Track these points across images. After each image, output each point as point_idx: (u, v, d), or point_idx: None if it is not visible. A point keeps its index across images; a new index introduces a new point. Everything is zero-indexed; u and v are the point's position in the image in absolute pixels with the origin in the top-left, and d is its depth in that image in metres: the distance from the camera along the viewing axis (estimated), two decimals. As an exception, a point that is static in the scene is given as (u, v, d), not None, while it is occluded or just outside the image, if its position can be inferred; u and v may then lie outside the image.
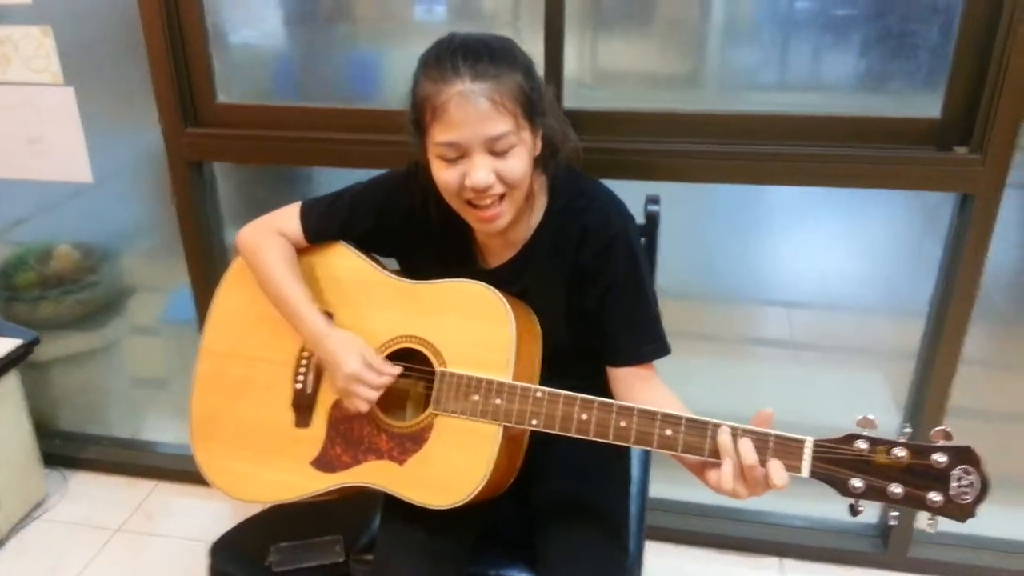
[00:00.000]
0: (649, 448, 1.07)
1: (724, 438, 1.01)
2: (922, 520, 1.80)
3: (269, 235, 1.28)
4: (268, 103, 1.80)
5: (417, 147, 1.19)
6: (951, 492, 0.97)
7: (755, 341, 1.98)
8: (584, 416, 1.09)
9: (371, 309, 1.24)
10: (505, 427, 1.13)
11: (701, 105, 1.67)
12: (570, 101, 1.63)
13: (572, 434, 1.10)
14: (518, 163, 1.12)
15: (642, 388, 1.21)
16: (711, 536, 1.93)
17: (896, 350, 1.83)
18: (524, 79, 1.11)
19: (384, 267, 1.28)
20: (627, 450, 1.41)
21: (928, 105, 1.56)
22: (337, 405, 1.24)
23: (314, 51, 1.79)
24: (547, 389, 1.12)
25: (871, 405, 1.88)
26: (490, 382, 1.14)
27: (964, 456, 0.97)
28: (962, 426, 1.02)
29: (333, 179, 1.71)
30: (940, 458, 0.97)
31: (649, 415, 1.06)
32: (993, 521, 1.85)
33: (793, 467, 1.00)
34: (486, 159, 1.10)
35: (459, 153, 1.11)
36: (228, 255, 1.92)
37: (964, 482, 0.97)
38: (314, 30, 1.77)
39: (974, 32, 1.47)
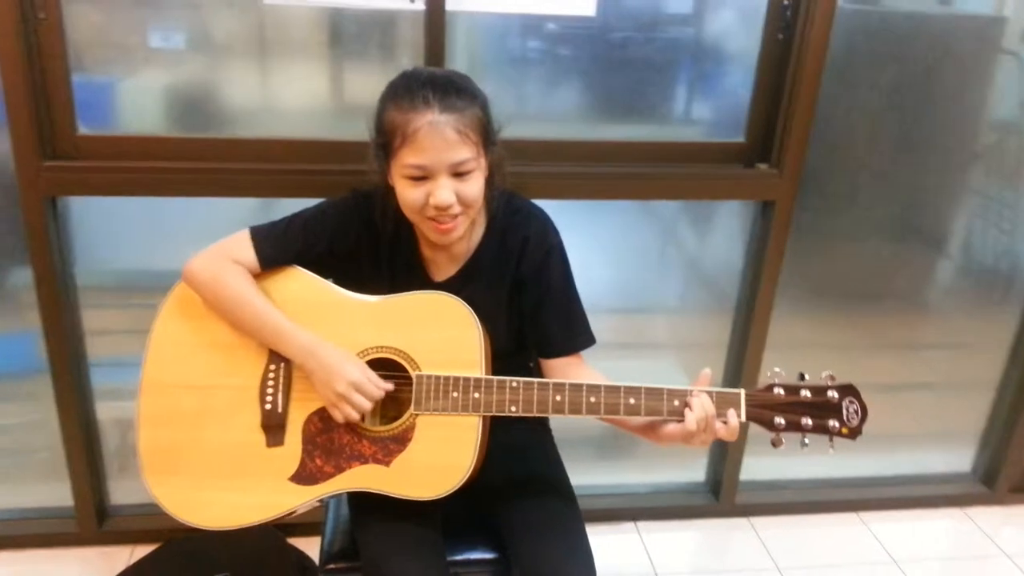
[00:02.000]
0: (616, 416, 1.27)
1: (692, 399, 1.24)
2: (744, 472, 2.19)
3: (226, 263, 1.31)
4: (131, 133, 1.74)
5: (381, 169, 1.30)
6: (844, 418, 1.27)
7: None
8: (558, 397, 1.27)
9: (335, 326, 1.31)
10: (484, 417, 1.27)
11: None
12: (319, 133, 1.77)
13: (548, 414, 1.27)
14: (475, 185, 1.27)
15: (576, 373, 1.41)
16: (576, 514, 2.17)
17: (679, 340, 2.19)
18: (482, 112, 1.27)
19: (338, 287, 1.36)
20: (549, 430, 1.59)
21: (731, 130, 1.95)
22: (311, 420, 1.30)
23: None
24: (520, 379, 1.27)
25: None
26: (467, 379, 1.27)
27: (849, 390, 1.28)
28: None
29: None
30: (833, 394, 1.27)
31: (614, 389, 1.26)
32: (791, 467, 2.29)
33: (736, 414, 1.25)
34: (449, 181, 1.25)
35: (425, 174, 1.24)
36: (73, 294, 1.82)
37: (851, 409, 1.28)
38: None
39: (767, 76, 1.86)
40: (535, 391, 1.27)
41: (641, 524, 2.19)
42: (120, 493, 2.05)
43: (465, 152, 1.23)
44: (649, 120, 1.93)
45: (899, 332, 2.27)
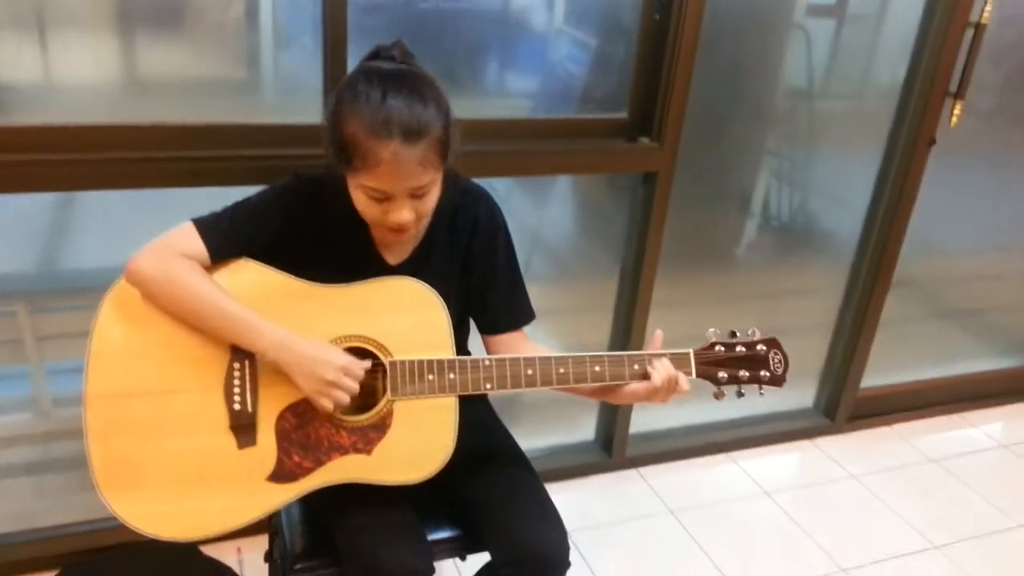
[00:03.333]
0: (584, 383, 1.34)
1: (655, 361, 1.33)
2: (633, 426, 2.35)
3: (177, 259, 1.23)
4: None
5: (332, 165, 1.27)
6: (771, 368, 1.43)
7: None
8: (530, 371, 1.32)
9: (298, 318, 1.27)
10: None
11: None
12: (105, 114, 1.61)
13: (522, 388, 1.31)
14: (432, 199, 1.28)
15: (521, 347, 1.47)
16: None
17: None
18: (443, 130, 1.23)
19: (295, 276, 1.31)
20: (488, 402, 1.64)
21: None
22: (284, 416, 1.26)
23: None
24: (491, 356, 1.32)
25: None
26: (440, 361, 1.29)
27: (773, 343, 1.44)
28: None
29: None
30: (761, 348, 1.43)
31: (579, 359, 1.33)
32: (668, 416, 2.49)
33: (687, 372, 1.37)
34: (407, 202, 1.24)
35: (384, 196, 1.23)
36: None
37: (776, 359, 1.44)
38: None
39: (646, 55, 1.99)
40: (507, 367, 1.31)
41: (542, 486, 2.29)
42: (-7, 520, 1.86)
43: (425, 178, 1.23)
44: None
45: (741, 285, 2.52)
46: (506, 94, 2.00)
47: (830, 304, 2.59)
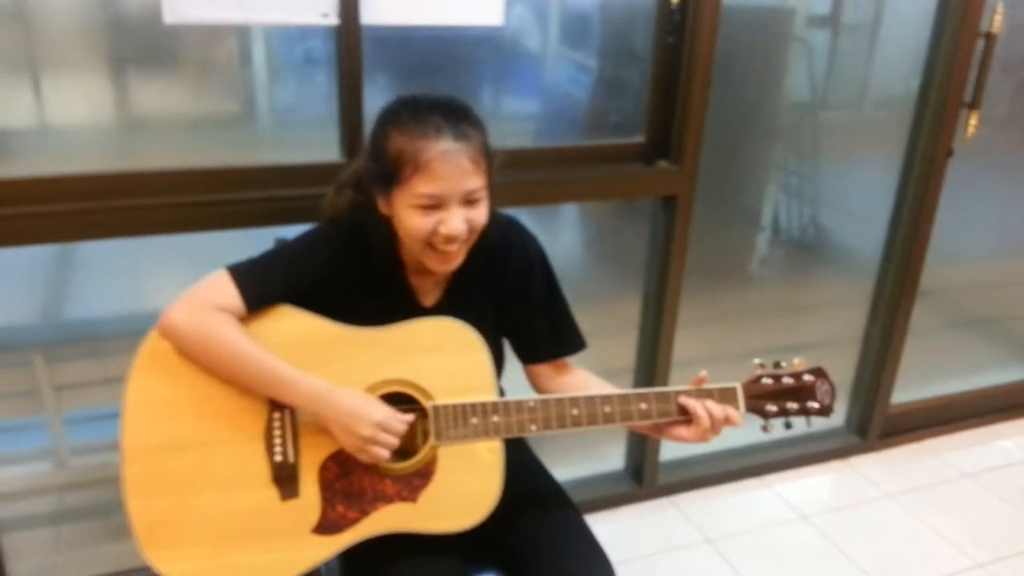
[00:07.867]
0: (630, 422, 1.31)
1: (692, 403, 1.30)
2: (663, 454, 2.30)
3: (212, 313, 1.20)
4: None
5: (380, 197, 1.26)
6: (819, 398, 1.39)
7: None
8: (575, 411, 1.28)
9: (339, 363, 1.24)
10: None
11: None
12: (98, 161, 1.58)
13: (567, 428, 1.28)
14: (483, 212, 1.26)
15: (564, 377, 1.45)
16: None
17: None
18: (485, 140, 1.26)
19: (332, 321, 1.28)
20: (525, 441, 1.60)
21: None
22: (326, 466, 1.23)
23: None
24: (535, 397, 1.28)
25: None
26: (484, 404, 1.26)
27: (819, 373, 1.39)
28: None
29: None
30: (808, 378, 1.39)
31: (624, 397, 1.30)
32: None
33: (735, 406, 1.33)
34: (460, 210, 1.23)
35: (437, 203, 1.22)
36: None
37: (823, 389, 1.40)
38: None
39: (661, 78, 1.97)
40: (552, 407, 1.28)
41: (575, 519, 2.25)
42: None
43: (477, 181, 1.23)
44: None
45: (761, 301, 2.48)
46: (509, 119, 1.98)
47: (854, 318, 2.55)
